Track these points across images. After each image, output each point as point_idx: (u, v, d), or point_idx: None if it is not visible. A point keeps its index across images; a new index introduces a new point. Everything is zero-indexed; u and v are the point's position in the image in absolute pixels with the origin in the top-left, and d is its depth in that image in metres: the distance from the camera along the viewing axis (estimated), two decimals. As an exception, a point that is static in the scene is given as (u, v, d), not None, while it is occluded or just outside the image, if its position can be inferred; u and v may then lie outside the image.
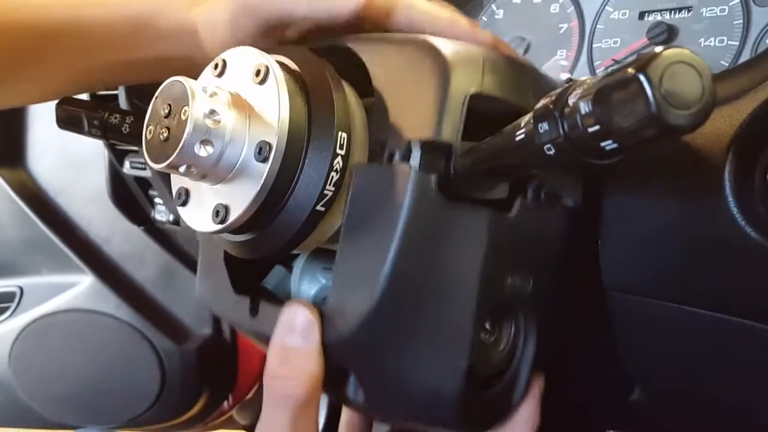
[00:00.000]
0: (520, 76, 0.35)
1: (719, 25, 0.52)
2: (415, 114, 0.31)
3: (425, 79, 0.31)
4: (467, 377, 0.32)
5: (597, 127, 0.22)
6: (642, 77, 0.21)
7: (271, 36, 0.41)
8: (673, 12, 0.54)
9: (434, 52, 0.32)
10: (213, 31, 0.42)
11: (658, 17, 0.54)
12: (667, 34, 0.53)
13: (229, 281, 0.39)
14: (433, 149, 0.31)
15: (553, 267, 0.36)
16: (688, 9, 0.53)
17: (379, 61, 0.34)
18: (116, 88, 0.74)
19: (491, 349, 0.35)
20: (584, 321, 0.41)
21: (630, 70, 0.21)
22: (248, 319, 0.38)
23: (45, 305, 1.07)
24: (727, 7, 0.51)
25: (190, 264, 0.95)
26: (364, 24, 0.39)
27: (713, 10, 0.52)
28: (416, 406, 0.34)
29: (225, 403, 1.09)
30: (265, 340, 0.37)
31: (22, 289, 1.10)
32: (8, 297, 1.10)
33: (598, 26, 0.58)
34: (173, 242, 0.93)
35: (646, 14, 0.55)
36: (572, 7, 0.59)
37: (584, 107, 0.22)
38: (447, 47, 0.32)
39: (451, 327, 0.32)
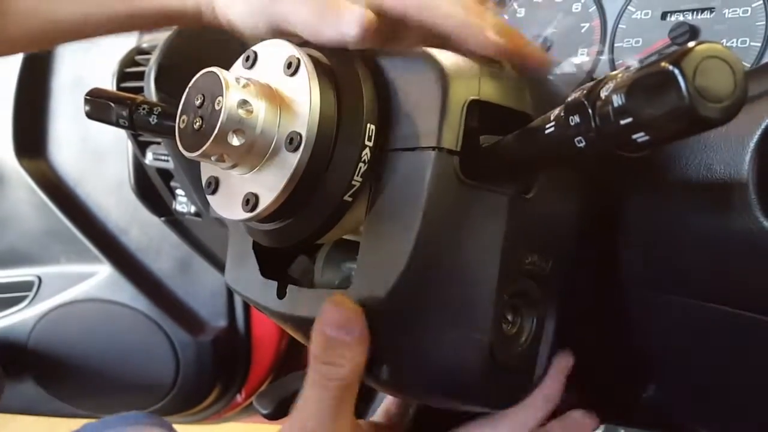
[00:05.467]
0: (518, 81, 0.36)
1: (741, 26, 0.52)
2: (420, 120, 0.33)
3: (427, 88, 0.33)
4: (489, 352, 0.33)
5: (629, 119, 0.23)
6: (676, 70, 0.21)
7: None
8: (695, 12, 0.53)
9: (434, 64, 0.33)
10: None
11: (681, 17, 0.54)
12: (690, 35, 0.53)
13: (257, 266, 0.40)
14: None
15: (571, 250, 0.37)
16: (711, 10, 0.53)
17: (390, 69, 0.35)
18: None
19: (513, 340, 0.36)
20: (603, 317, 0.41)
21: (664, 64, 0.22)
22: (276, 302, 0.39)
23: (63, 294, 1.08)
24: (749, 8, 0.51)
25: (208, 256, 0.96)
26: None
27: (736, 11, 0.52)
28: (439, 381, 0.35)
29: (238, 396, 1.10)
30: (293, 321, 0.38)
31: (40, 279, 1.11)
32: (26, 286, 1.12)
33: (620, 26, 0.57)
34: (192, 234, 0.94)
35: (669, 14, 0.55)
36: (594, 7, 0.59)
37: (617, 100, 0.23)
38: (446, 58, 0.34)
39: (473, 303, 0.33)
